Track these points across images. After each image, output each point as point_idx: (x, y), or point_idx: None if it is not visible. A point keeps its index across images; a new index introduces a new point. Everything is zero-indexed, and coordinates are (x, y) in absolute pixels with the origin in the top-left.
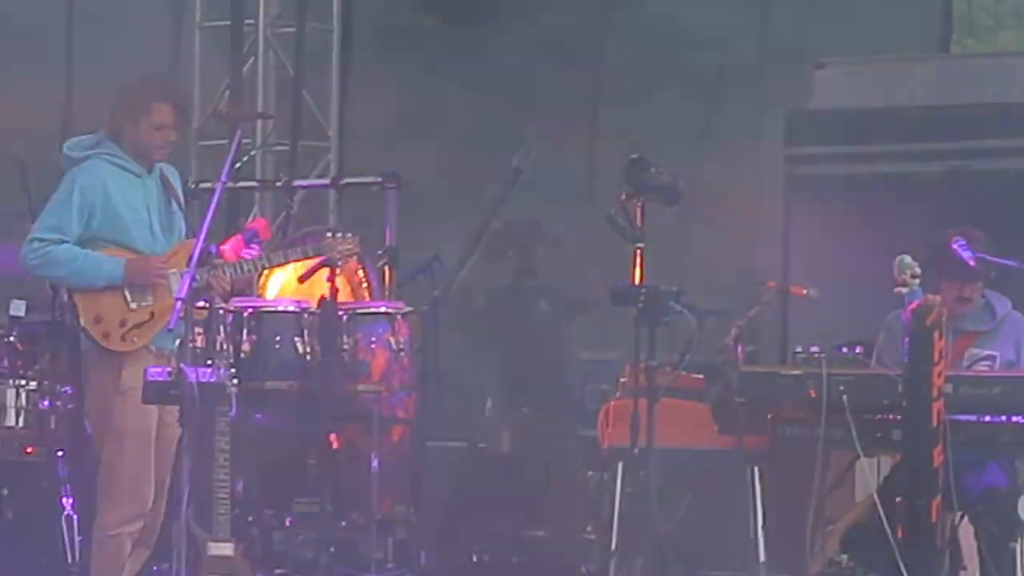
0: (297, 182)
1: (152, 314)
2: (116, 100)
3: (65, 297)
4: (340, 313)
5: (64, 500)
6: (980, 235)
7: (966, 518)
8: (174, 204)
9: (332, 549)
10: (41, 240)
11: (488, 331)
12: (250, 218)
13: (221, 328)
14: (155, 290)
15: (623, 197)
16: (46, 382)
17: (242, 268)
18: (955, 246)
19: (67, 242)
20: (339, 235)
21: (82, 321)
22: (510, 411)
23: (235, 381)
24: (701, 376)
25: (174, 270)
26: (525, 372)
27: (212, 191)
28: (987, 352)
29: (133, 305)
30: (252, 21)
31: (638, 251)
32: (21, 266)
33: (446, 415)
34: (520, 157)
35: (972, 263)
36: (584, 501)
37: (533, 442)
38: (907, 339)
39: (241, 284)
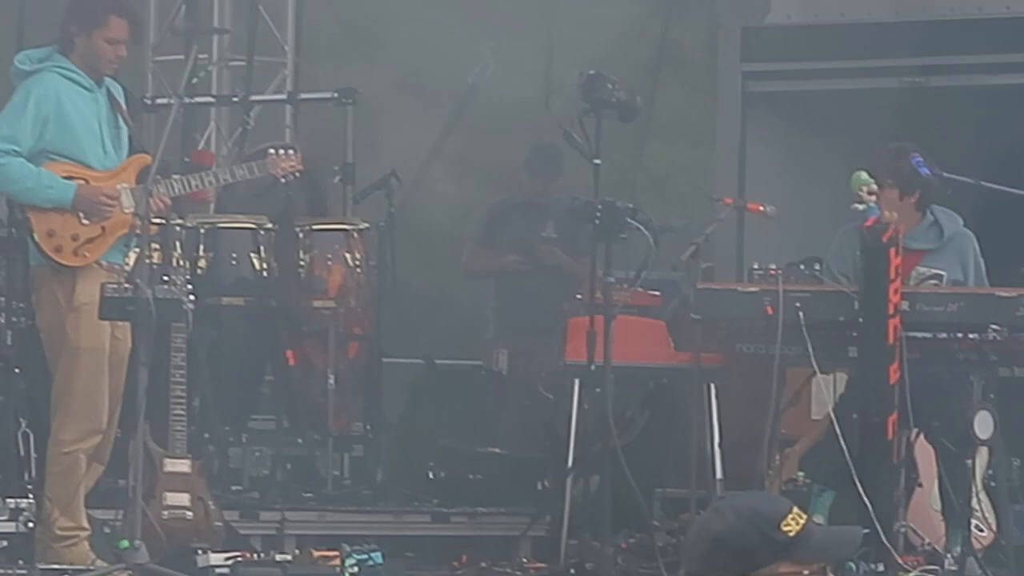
0: (253, 97)
1: (103, 229)
2: (69, 11)
3: (19, 213)
4: (296, 229)
5: (19, 417)
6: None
7: (922, 435)
8: (120, 119)
9: (288, 466)
10: None
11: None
12: (205, 134)
13: (177, 244)
14: None
15: (580, 113)
16: (1, 298)
17: (190, 184)
18: (913, 162)
19: (21, 155)
20: (282, 152)
21: (35, 235)
22: (508, 331)
23: (191, 297)
24: (658, 293)
25: (124, 185)
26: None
27: (168, 106)
28: (934, 271)
29: (85, 220)
30: None
31: (595, 167)
32: None
33: (403, 331)
34: (476, 73)
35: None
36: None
37: (528, 362)
38: (862, 255)
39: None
